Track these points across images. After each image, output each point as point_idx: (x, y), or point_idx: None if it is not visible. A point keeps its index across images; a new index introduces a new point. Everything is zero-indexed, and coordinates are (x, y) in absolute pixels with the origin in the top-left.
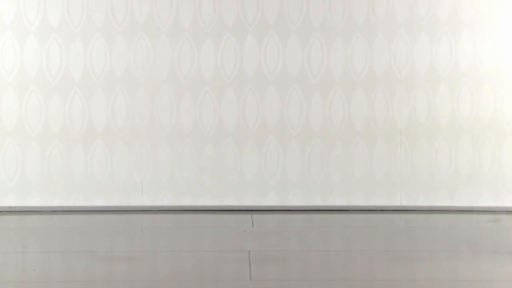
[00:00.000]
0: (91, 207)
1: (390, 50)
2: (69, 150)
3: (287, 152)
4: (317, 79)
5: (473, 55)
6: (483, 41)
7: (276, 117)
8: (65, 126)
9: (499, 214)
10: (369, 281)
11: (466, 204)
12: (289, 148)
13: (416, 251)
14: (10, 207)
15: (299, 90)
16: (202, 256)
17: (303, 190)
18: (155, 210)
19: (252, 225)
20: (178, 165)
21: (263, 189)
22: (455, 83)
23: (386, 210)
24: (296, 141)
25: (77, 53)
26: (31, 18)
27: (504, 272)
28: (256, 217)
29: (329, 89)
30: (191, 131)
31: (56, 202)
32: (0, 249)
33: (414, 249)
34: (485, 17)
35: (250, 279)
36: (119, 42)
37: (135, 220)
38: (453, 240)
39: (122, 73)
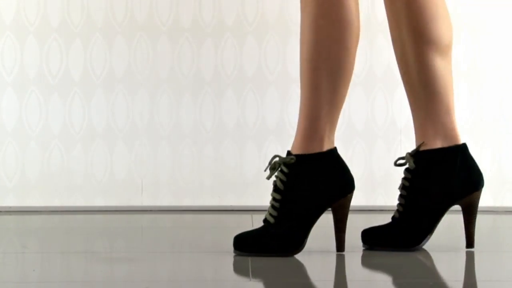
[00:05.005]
0: (91, 207)
1: (390, 50)
2: (69, 150)
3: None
4: None
5: (473, 55)
6: (483, 41)
7: (276, 117)
8: (65, 126)
9: (499, 214)
10: (369, 281)
11: None
12: (289, 148)
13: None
14: (10, 207)
15: (299, 90)
16: (202, 256)
17: None
18: (155, 210)
19: (252, 225)
20: (178, 165)
21: (263, 189)
22: (454, 83)
23: (386, 210)
24: None
25: (77, 53)
26: (31, 18)
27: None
28: (256, 217)
29: None
30: (191, 131)
31: (56, 202)
32: None
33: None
34: (485, 16)
35: (250, 279)
36: (119, 42)
37: (135, 220)
38: (453, 239)
39: (122, 73)
